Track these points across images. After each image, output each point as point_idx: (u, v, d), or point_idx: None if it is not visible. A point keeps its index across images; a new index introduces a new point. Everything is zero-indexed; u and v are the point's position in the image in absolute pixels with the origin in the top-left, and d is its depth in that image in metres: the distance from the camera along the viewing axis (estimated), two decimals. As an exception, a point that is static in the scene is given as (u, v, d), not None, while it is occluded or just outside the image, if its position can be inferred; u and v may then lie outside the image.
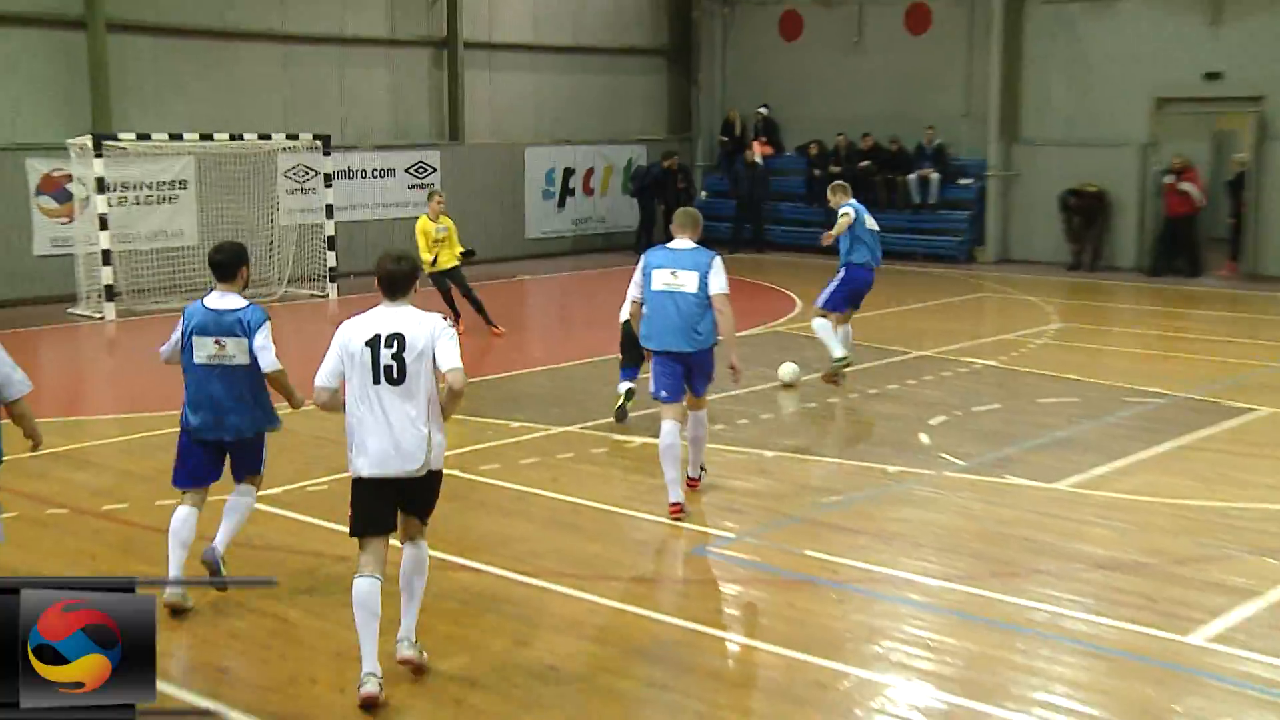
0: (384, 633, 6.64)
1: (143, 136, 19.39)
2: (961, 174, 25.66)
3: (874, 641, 7.32)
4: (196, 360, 7.64)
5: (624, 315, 9.58)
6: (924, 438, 11.70)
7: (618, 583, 8.21)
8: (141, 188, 20.50)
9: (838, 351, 13.81)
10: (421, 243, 16.58)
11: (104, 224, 18.71)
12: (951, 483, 10.32)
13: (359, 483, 6.70)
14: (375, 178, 23.42)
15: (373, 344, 6.58)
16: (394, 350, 6.54)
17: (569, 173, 27.12)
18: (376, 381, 6.58)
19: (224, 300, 7.71)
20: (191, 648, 7.27)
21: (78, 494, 9.96)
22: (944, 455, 11.08)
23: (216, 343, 7.60)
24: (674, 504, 9.33)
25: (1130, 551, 8.72)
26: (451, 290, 16.85)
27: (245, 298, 7.76)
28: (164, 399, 13.50)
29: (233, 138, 20.25)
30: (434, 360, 6.54)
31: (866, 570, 8.39)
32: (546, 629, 7.47)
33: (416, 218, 17.28)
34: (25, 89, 20.01)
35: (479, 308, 16.88)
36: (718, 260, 9.38)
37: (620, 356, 12.37)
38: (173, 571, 7.54)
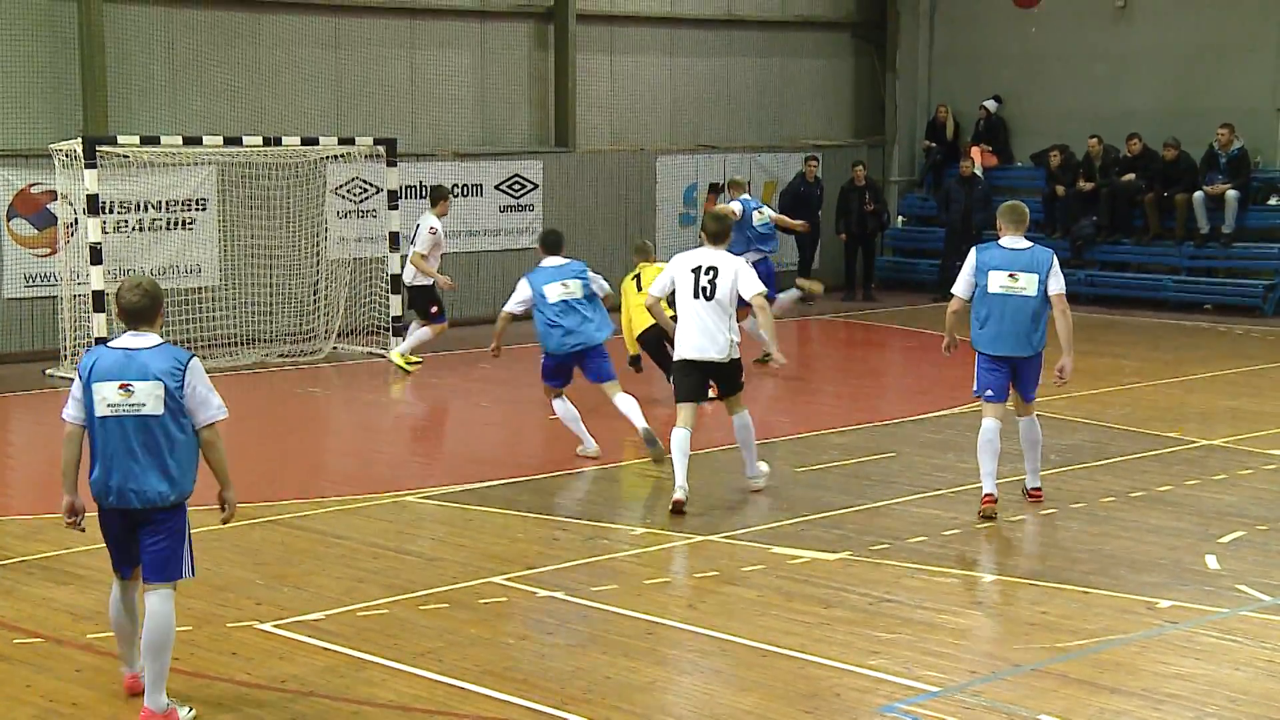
0: None
1: (149, 140, 19.99)
2: (1273, 191, 25.31)
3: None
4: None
5: (951, 311, 12.82)
6: (1211, 561, 11.54)
7: (777, 751, 8.21)
8: (147, 208, 21.14)
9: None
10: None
11: (97, 257, 19.24)
12: (1252, 626, 10.13)
13: (680, 363, 13.06)
14: (456, 196, 23.86)
15: (695, 271, 12.85)
16: (710, 277, 12.80)
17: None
18: (696, 297, 12.78)
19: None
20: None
21: (56, 617, 10.24)
22: (1241, 587, 10.91)
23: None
24: (988, 495, 12.61)
25: None
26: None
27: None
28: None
29: (267, 142, 20.78)
30: (737, 286, 12.87)
31: (1126, 743, 8.29)
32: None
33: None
34: (-2, 78, 20.80)
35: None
36: (1056, 260, 12.53)
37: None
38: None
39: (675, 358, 13.17)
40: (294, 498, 13.46)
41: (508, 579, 11.00)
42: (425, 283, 19.97)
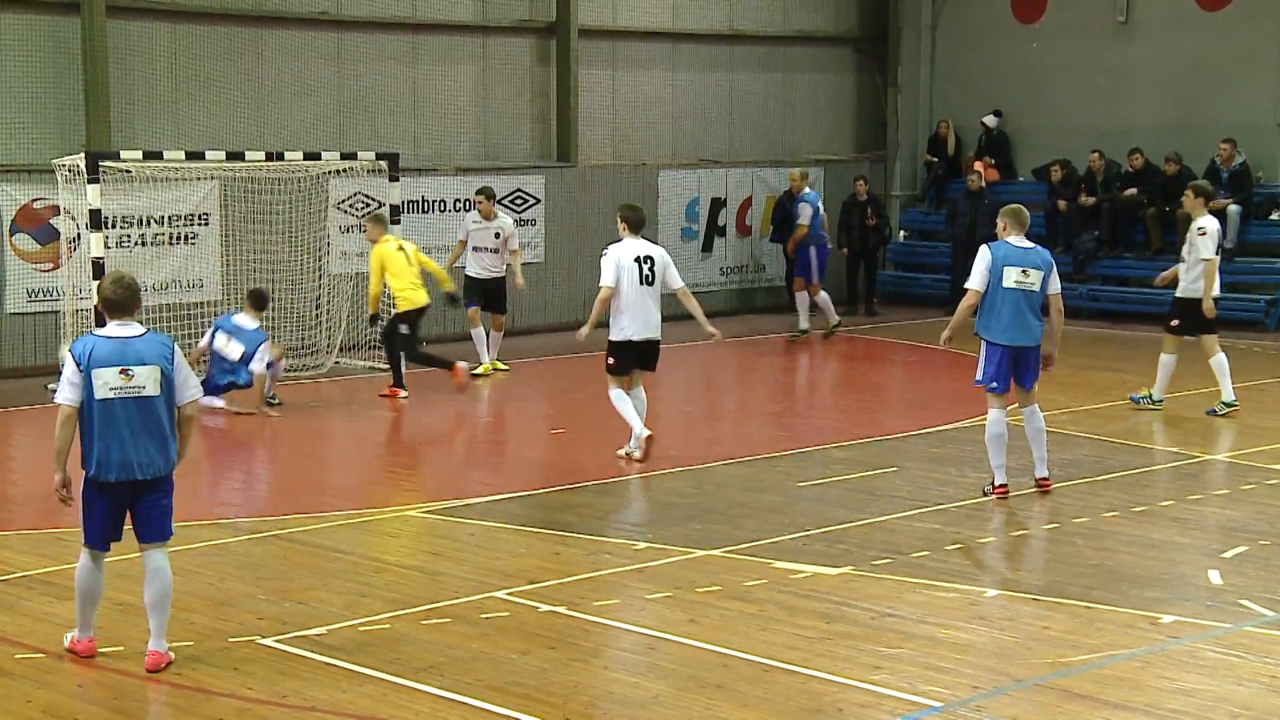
0: None
1: (152, 155, 20.00)
2: (1274, 206, 25.31)
3: None
4: None
5: (969, 305, 13.67)
6: (1214, 576, 11.54)
7: (780, 767, 8.19)
8: (150, 223, 21.16)
9: (803, 323, 24.27)
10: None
11: (99, 272, 19.17)
12: (1256, 641, 10.13)
13: (621, 344, 14.94)
14: (458, 211, 23.88)
15: (639, 260, 14.94)
16: (650, 265, 15.00)
17: (718, 205, 27.37)
18: (641, 283, 14.91)
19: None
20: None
21: (57, 633, 10.20)
22: (1244, 602, 10.90)
23: None
24: (1001, 486, 13.67)
25: None
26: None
27: None
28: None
29: (269, 157, 20.79)
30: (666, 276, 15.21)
31: (1129, 758, 8.28)
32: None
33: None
34: None
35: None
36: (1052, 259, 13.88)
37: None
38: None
39: (616, 339, 14.99)
40: (296, 512, 13.46)
41: (510, 594, 10.99)
42: (469, 273, 21.13)
